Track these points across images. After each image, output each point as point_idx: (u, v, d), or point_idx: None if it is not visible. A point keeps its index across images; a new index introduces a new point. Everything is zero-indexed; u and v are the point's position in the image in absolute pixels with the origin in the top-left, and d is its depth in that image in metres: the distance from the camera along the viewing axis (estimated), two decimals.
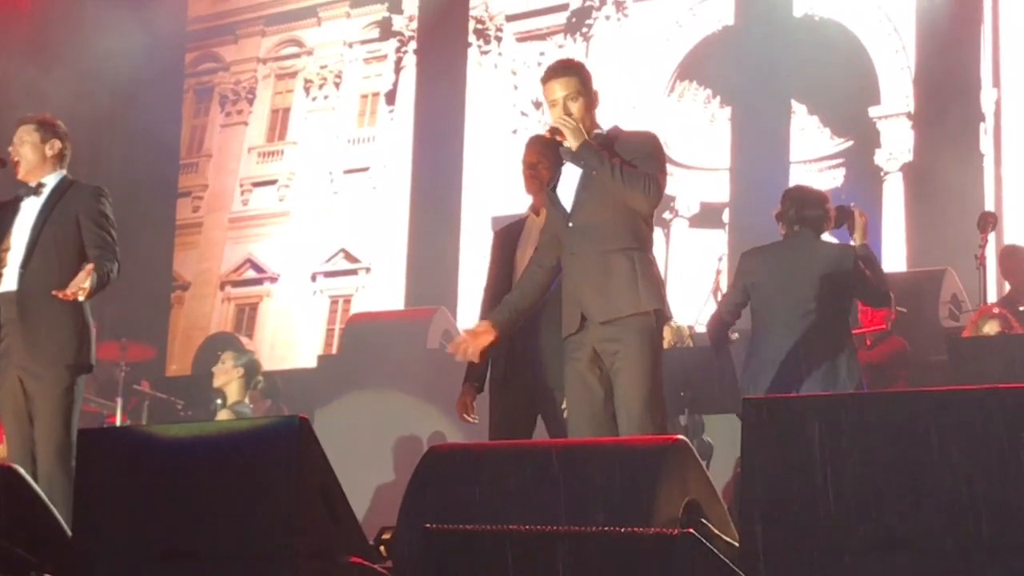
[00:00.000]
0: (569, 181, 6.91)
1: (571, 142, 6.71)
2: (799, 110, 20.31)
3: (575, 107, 6.85)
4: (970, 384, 7.36)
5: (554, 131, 6.80)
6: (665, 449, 5.27)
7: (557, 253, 6.86)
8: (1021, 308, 9.22)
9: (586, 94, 7.01)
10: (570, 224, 6.64)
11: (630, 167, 6.71)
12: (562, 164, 6.97)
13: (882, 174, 19.33)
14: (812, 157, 20.83)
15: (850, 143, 20.25)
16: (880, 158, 19.36)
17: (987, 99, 18.39)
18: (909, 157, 18.91)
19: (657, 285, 6.72)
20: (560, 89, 6.82)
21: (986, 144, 18.11)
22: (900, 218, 18.61)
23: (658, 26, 21.18)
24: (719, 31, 19.97)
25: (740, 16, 18.21)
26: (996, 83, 18.43)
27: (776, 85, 17.60)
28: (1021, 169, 17.75)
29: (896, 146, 19.17)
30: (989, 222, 10.13)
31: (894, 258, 17.55)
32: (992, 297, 12.47)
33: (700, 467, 5.53)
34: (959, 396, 4.82)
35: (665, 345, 9.38)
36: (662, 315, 6.47)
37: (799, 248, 8.70)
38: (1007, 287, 12.19)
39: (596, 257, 6.61)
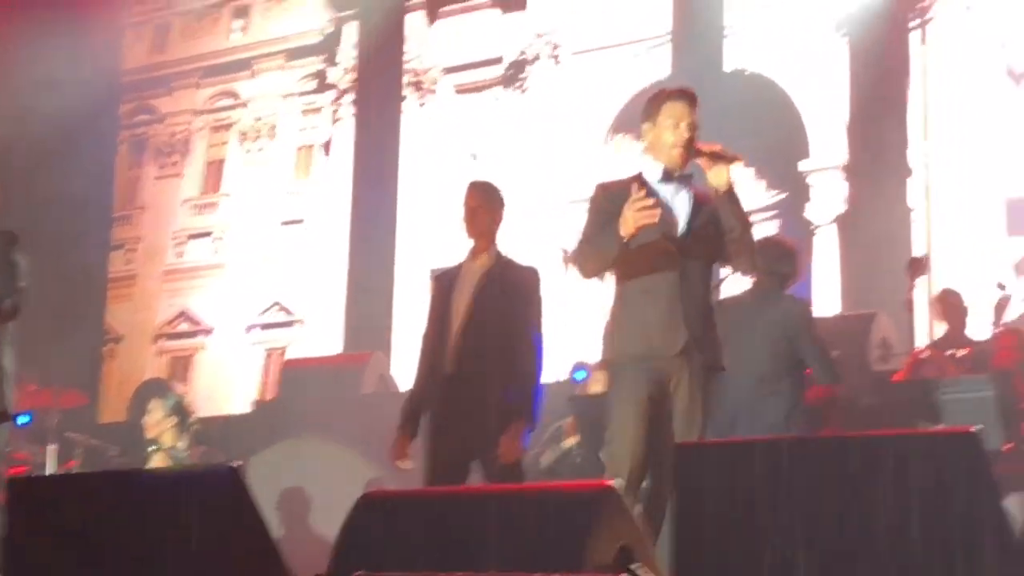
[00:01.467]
0: (668, 200, 6.26)
1: (722, 178, 6.14)
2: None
3: (696, 136, 6.38)
4: (901, 427, 7.44)
5: (700, 150, 6.26)
6: (598, 495, 5.28)
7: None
8: (951, 352, 9.31)
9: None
10: (682, 245, 6.14)
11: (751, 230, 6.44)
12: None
13: (812, 227, 19.51)
14: (746, 209, 20.85)
15: (784, 195, 20.44)
16: (811, 211, 19.56)
17: (916, 153, 18.61)
18: (840, 209, 19.09)
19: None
20: (690, 114, 6.37)
21: (915, 197, 18.31)
22: (832, 268, 18.77)
23: (594, 78, 21.33)
24: (654, 84, 20.08)
25: (674, 69, 18.35)
26: (925, 137, 18.66)
27: (709, 138, 17.65)
28: (950, 220, 17.95)
29: (827, 199, 19.36)
30: (917, 267, 10.23)
31: (826, 305, 17.71)
32: (921, 340, 12.62)
33: (632, 512, 5.54)
34: (888, 440, 4.86)
35: (601, 389, 9.40)
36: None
37: (763, 302, 8.66)
38: (934, 330, 12.35)
39: (704, 293, 6.29)
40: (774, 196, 20.45)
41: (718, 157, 6.12)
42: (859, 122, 18.84)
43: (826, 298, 18.16)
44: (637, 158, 19.58)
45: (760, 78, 20.12)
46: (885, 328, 11.10)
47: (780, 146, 19.62)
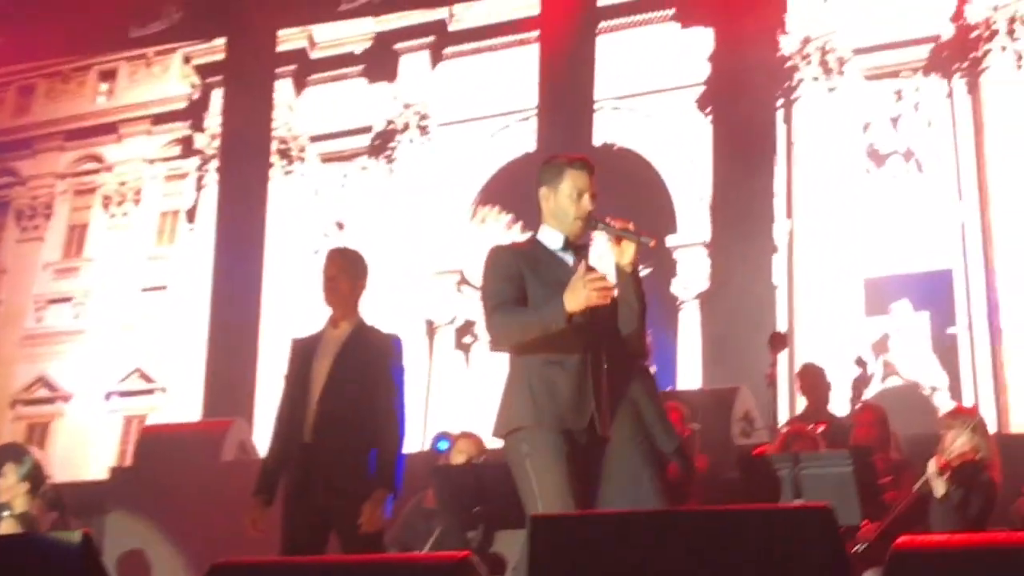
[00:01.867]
0: (569, 269, 5.93)
1: (626, 254, 5.91)
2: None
3: (594, 207, 6.07)
4: (762, 502, 7.45)
5: (623, 226, 5.87)
6: (453, 566, 5.19)
7: None
8: (812, 426, 9.36)
9: None
10: (590, 317, 5.79)
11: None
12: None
13: (678, 303, 19.68)
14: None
15: (649, 270, 20.59)
16: (677, 286, 19.73)
17: (780, 230, 18.85)
18: (705, 285, 19.28)
19: None
20: (592, 184, 6.04)
21: (779, 274, 18.54)
22: (696, 342, 18.92)
23: (461, 150, 21.42)
24: (522, 157, 20.21)
25: (541, 142, 18.40)
26: (789, 215, 18.92)
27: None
28: (812, 298, 18.19)
29: (692, 275, 19.56)
30: (779, 342, 10.30)
31: (689, 379, 17.87)
32: (783, 414, 12.70)
33: None
34: (746, 514, 4.84)
35: (463, 459, 9.36)
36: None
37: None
38: (796, 404, 12.45)
39: (603, 366, 5.95)
40: (641, 271, 20.54)
41: (628, 235, 5.94)
42: (724, 199, 19.04)
43: (689, 372, 18.35)
44: (502, 232, 19.71)
45: (629, 153, 20.35)
46: (747, 402, 11.16)
47: (648, 221, 19.72)
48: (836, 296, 18.18)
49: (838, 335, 17.57)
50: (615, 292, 5.74)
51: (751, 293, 17.28)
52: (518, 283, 5.88)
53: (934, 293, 18.26)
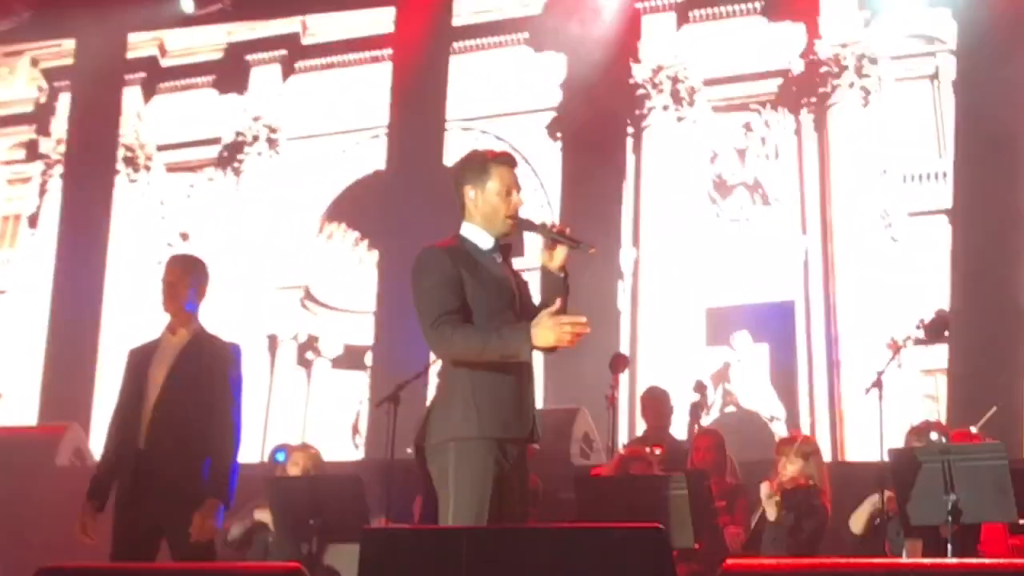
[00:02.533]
0: (497, 268, 5.89)
1: (558, 259, 5.90)
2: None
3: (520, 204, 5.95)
4: (597, 521, 7.47)
5: (557, 229, 5.92)
6: None
7: None
8: (650, 449, 9.42)
9: None
10: (517, 320, 5.75)
11: None
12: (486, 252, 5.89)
13: None
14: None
15: None
16: None
17: (626, 258, 18.97)
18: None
19: None
20: (517, 181, 5.97)
21: (624, 300, 18.65)
22: (538, 364, 18.92)
23: (310, 166, 21.26)
24: (371, 174, 20.14)
25: (392, 161, 18.37)
26: (636, 242, 19.04)
27: (424, 231, 17.44)
28: (655, 323, 18.31)
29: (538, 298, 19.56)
30: (620, 364, 10.37)
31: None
32: (623, 436, 12.77)
33: None
34: (579, 533, 4.84)
35: (299, 472, 9.29)
36: None
37: None
38: (636, 427, 12.53)
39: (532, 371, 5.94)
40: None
41: (563, 238, 5.84)
42: (572, 224, 19.00)
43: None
44: (349, 249, 19.57)
45: None
46: (587, 423, 11.20)
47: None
48: (678, 324, 18.30)
49: (679, 363, 17.70)
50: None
51: (596, 318, 17.34)
52: (459, 289, 5.68)
53: (775, 324, 18.48)
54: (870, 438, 8.38)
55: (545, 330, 5.51)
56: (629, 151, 19.38)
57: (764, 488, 8.14)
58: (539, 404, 16.12)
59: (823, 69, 18.66)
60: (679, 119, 19.25)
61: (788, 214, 18.82)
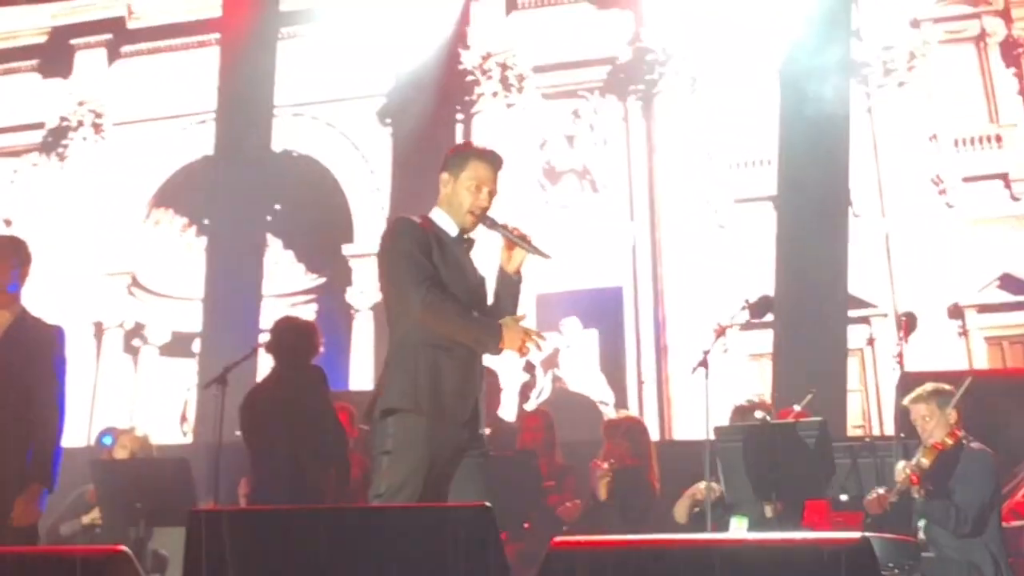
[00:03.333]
0: (460, 256, 5.82)
1: (515, 261, 5.82)
2: (275, 244, 20.46)
3: (488, 204, 5.89)
4: (427, 502, 7.49)
5: (507, 229, 5.81)
6: (107, 560, 5.05)
7: None
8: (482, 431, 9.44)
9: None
10: (470, 307, 5.69)
11: None
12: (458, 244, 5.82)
13: (352, 311, 19.63)
14: (286, 291, 20.98)
15: (323, 279, 20.55)
16: (352, 295, 19.67)
17: None
18: (380, 296, 19.26)
19: None
20: (494, 180, 5.90)
21: None
22: (369, 351, 18.93)
23: (137, 151, 20.98)
24: (199, 160, 19.92)
25: (220, 146, 18.14)
26: None
27: (252, 218, 17.48)
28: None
29: (368, 284, 19.53)
30: None
31: (362, 382, 17.89)
32: None
33: None
34: (401, 513, 4.85)
35: (126, 455, 9.16)
36: None
37: (287, 381, 8.42)
38: None
39: (482, 359, 5.81)
40: (315, 279, 20.53)
41: (524, 243, 5.75)
42: (402, 210, 18.93)
43: (362, 376, 18.30)
44: (176, 235, 19.30)
45: (309, 160, 20.24)
46: None
47: (325, 229, 19.72)
48: None
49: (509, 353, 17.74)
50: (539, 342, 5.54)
51: None
52: (431, 259, 5.66)
53: (604, 310, 18.66)
54: (697, 418, 8.50)
55: (512, 333, 5.50)
56: (459, 137, 19.44)
57: (595, 469, 8.20)
58: (368, 374, 15.97)
59: (649, 56, 18.88)
60: (508, 105, 19.37)
61: (616, 201, 19.02)
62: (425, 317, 5.56)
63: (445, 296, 5.56)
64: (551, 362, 18.52)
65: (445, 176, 5.86)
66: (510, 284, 5.83)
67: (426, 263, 5.61)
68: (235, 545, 4.69)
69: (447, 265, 5.65)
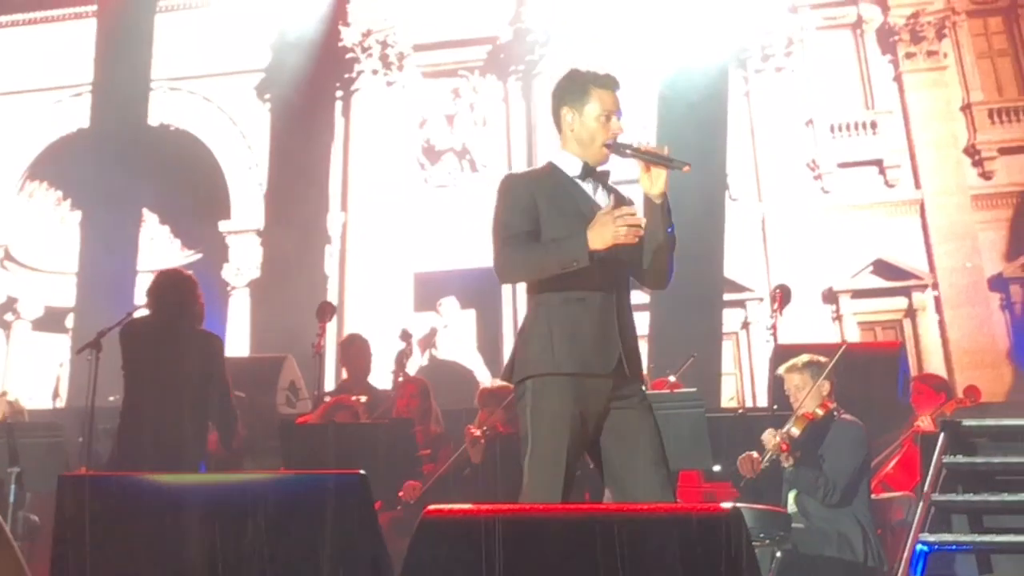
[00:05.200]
0: (590, 199, 5.40)
1: (657, 183, 5.22)
2: (151, 219, 20.24)
3: (618, 130, 5.40)
4: (302, 468, 7.45)
5: (642, 151, 5.22)
6: None
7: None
8: (356, 397, 9.39)
9: None
10: (606, 251, 5.15)
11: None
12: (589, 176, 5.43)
13: (229, 288, 19.48)
14: (161, 267, 20.53)
15: (199, 255, 20.35)
16: (228, 272, 19.52)
17: (334, 222, 18.95)
18: (256, 273, 19.19)
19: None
20: (617, 104, 5.41)
21: (331, 265, 18.64)
22: (246, 328, 18.79)
23: (10, 123, 20.64)
24: (74, 132, 19.66)
25: (96, 119, 17.92)
26: (344, 207, 19.02)
27: (128, 192, 17.28)
28: (363, 289, 18.33)
29: (244, 261, 19.40)
30: (327, 312, 10.30)
31: (238, 332, 17.95)
32: (330, 384, 12.72)
33: (10, 544, 5.22)
34: (270, 481, 4.83)
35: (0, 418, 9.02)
36: None
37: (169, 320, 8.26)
38: (341, 375, 12.52)
39: (627, 303, 5.38)
40: (190, 255, 20.34)
41: (661, 160, 5.16)
42: (280, 187, 19.03)
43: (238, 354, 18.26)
44: (51, 208, 18.99)
45: (186, 135, 20.04)
46: (293, 372, 11.12)
47: (201, 205, 19.55)
48: (386, 290, 18.35)
49: (388, 329, 17.73)
50: (643, 230, 5.10)
51: (303, 282, 17.29)
52: (531, 214, 5.32)
53: (483, 290, 18.67)
54: None
55: (600, 228, 5.04)
56: (338, 115, 19.38)
57: (469, 435, 8.20)
58: (244, 353, 15.87)
59: (529, 37, 18.91)
60: (388, 84, 19.32)
61: (495, 181, 18.96)
62: (503, 278, 5.42)
63: (516, 248, 5.25)
64: (428, 341, 18.51)
65: (566, 112, 5.43)
66: (655, 210, 5.30)
67: (512, 220, 5.32)
68: (105, 511, 4.64)
69: (563, 212, 5.31)
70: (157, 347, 7.55)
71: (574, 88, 5.38)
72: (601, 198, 5.36)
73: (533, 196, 5.30)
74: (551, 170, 5.39)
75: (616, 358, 5.22)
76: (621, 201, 5.26)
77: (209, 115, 20.09)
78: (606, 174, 5.40)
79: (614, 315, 5.24)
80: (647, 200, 5.21)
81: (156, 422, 7.34)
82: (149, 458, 7.17)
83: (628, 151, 5.18)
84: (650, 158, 5.13)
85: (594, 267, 5.11)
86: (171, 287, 7.93)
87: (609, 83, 5.40)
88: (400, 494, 8.28)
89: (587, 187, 5.36)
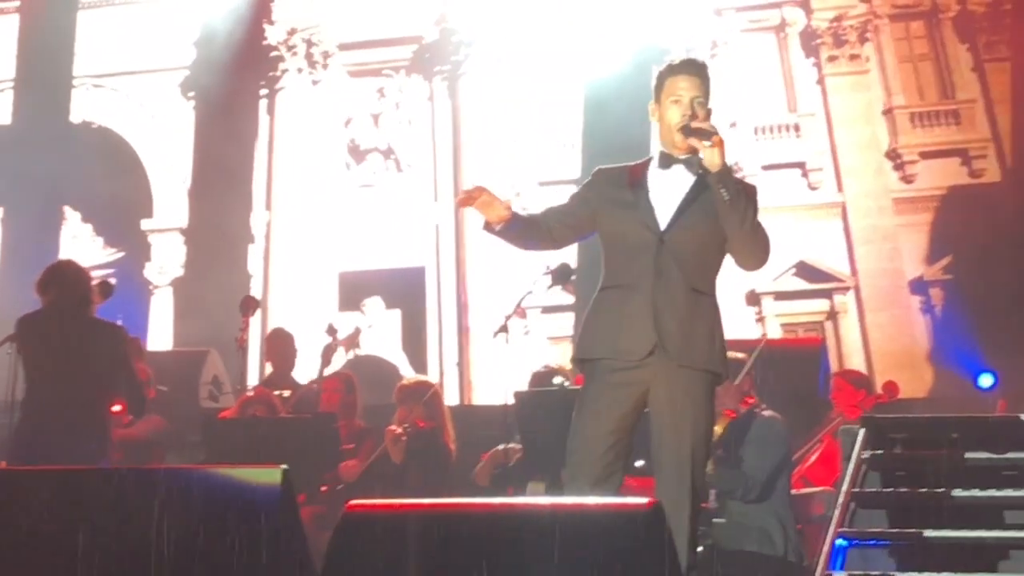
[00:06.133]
0: (660, 188, 5.35)
1: (714, 156, 5.09)
2: (73, 217, 20.04)
3: (702, 114, 5.25)
4: (225, 463, 7.41)
5: (694, 130, 5.14)
6: None
7: (572, 236, 5.56)
8: (279, 391, 9.35)
9: (708, 103, 5.37)
10: (662, 240, 5.23)
11: (758, 219, 5.36)
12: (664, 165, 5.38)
13: (151, 287, 19.35)
14: (83, 265, 20.32)
15: (122, 254, 20.19)
16: (151, 271, 19.39)
17: (259, 221, 18.87)
18: (179, 272, 19.09)
19: (726, 345, 5.38)
20: (690, 88, 5.29)
21: (255, 264, 18.58)
22: (168, 327, 18.67)
23: None
24: None
25: (17, 116, 17.76)
26: (268, 206, 18.95)
27: (50, 190, 17.13)
28: (287, 288, 18.27)
29: (167, 260, 19.29)
30: (250, 305, 10.23)
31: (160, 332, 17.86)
32: (253, 379, 12.66)
33: None
34: (202, 474, 4.80)
35: None
36: (723, 379, 5.38)
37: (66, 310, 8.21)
38: (265, 370, 12.47)
39: (686, 291, 5.26)
40: (112, 254, 20.18)
41: (694, 134, 5.12)
42: (203, 186, 18.93)
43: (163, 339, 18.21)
44: None
45: (109, 133, 19.88)
46: (216, 366, 11.06)
47: (123, 204, 19.38)
48: (311, 289, 18.30)
49: (312, 328, 17.68)
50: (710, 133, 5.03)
51: (226, 282, 17.18)
52: (579, 205, 5.41)
53: (407, 290, 18.66)
54: (497, 387, 8.56)
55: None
56: (263, 113, 19.31)
57: (388, 432, 8.19)
58: (167, 346, 15.72)
59: (455, 37, 18.91)
60: (314, 82, 19.26)
61: (421, 181, 19.03)
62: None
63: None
64: (352, 341, 18.45)
65: (652, 107, 5.45)
66: (713, 181, 5.20)
67: (556, 208, 5.48)
68: (23, 506, 4.60)
69: (630, 204, 5.30)
70: (59, 339, 7.50)
71: (657, 81, 5.37)
72: (677, 186, 5.32)
73: (593, 189, 5.39)
74: (647, 162, 5.39)
75: (649, 345, 5.18)
76: (702, 192, 5.24)
77: (132, 112, 19.94)
78: (694, 161, 5.27)
79: (649, 301, 5.19)
80: (711, 178, 5.16)
81: (57, 414, 7.30)
82: (50, 450, 7.12)
83: (690, 132, 5.12)
84: (689, 133, 5.11)
85: (641, 254, 5.18)
86: (70, 278, 7.88)
87: (679, 68, 5.34)
88: (340, 471, 8.28)
89: (661, 176, 5.34)
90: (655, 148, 5.35)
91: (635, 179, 5.33)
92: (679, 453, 5.13)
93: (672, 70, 5.31)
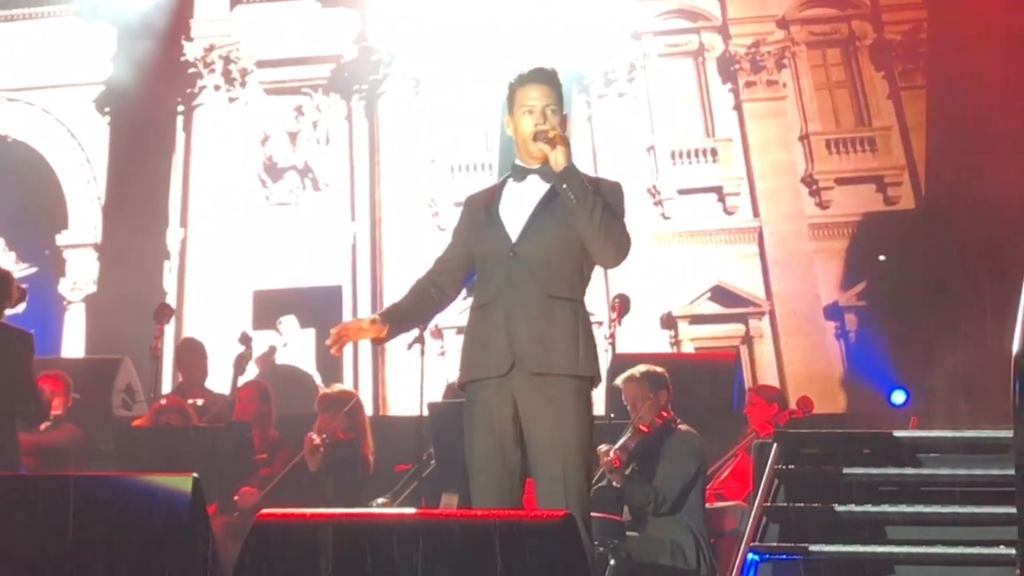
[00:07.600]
0: (513, 201, 5.39)
1: (558, 157, 5.13)
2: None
3: (554, 121, 5.29)
4: (136, 471, 7.35)
5: (537, 135, 5.20)
6: None
7: (459, 277, 5.53)
8: (192, 400, 9.30)
9: (562, 111, 5.41)
10: (513, 252, 5.24)
11: (611, 212, 5.29)
12: (508, 179, 5.43)
13: (65, 303, 19.18)
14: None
15: (35, 269, 19.97)
16: (64, 287, 19.23)
17: (173, 238, 18.75)
18: (93, 288, 18.93)
19: (595, 348, 5.38)
20: (541, 97, 5.31)
21: (170, 281, 18.46)
22: (81, 344, 18.50)
23: None
24: None
25: None
26: (184, 222, 18.82)
27: None
28: (202, 305, 18.14)
29: (81, 275, 19.13)
30: (165, 313, 10.18)
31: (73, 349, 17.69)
32: (167, 387, 12.57)
33: None
34: (111, 481, 4.79)
35: None
36: (595, 382, 5.27)
37: None
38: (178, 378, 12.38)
39: (540, 299, 5.25)
40: (25, 268, 19.95)
41: (544, 136, 5.18)
42: (118, 201, 18.79)
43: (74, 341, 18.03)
44: None
45: (23, 147, 19.69)
46: (130, 374, 10.99)
47: (38, 218, 19.21)
48: (226, 306, 18.17)
49: (226, 345, 17.56)
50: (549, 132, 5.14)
51: (141, 298, 17.02)
52: (458, 239, 5.47)
53: (323, 309, 18.58)
54: (412, 403, 8.55)
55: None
56: (179, 130, 19.20)
57: (307, 440, 8.16)
58: (80, 354, 15.54)
59: (374, 56, 18.91)
60: (231, 100, 19.18)
61: (338, 199, 19.00)
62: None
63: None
64: (267, 360, 18.32)
65: (506, 119, 5.43)
66: (563, 180, 5.23)
67: (441, 257, 5.53)
68: None
69: (484, 224, 5.36)
70: None
71: (507, 95, 5.37)
72: (529, 197, 5.34)
73: (472, 213, 5.43)
74: (507, 177, 5.42)
75: (508, 362, 5.20)
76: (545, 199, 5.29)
77: (47, 127, 19.75)
78: (545, 169, 5.28)
79: (503, 316, 5.22)
80: (555, 177, 5.21)
81: None
82: None
83: (534, 138, 5.19)
84: (535, 139, 5.18)
85: (493, 273, 5.22)
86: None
87: (530, 77, 5.37)
88: (235, 498, 8.21)
89: (516, 188, 5.38)
90: (517, 156, 5.36)
91: (491, 197, 5.37)
92: (549, 461, 5.13)
93: (522, 80, 5.35)
